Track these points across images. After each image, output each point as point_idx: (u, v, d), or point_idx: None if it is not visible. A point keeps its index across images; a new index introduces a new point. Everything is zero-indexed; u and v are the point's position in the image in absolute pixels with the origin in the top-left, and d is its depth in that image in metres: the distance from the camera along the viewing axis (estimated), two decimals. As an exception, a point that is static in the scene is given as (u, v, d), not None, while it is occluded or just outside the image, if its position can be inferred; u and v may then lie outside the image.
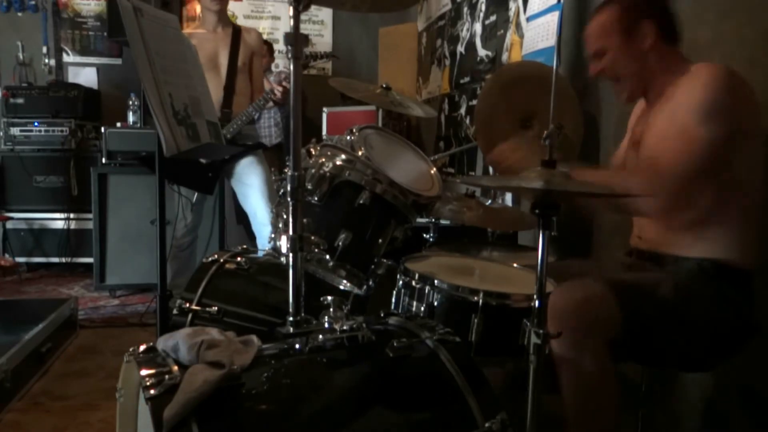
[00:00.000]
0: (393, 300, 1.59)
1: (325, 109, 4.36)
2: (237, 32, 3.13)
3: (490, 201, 2.48)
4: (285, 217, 1.37)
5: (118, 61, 5.18)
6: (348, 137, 1.56)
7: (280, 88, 3.01)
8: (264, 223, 3.05)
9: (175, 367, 0.99)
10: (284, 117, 4.77)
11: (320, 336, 1.15)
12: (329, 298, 1.21)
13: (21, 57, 4.92)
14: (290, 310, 1.26)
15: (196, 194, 3.15)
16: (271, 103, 3.09)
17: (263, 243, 3.05)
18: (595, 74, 1.61)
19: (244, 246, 2.10)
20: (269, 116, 4.71)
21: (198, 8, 5.14)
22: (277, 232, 1.55)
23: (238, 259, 1.91)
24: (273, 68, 4.96)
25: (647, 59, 1.53)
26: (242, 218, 3.39)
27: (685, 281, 1.43)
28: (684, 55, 1.56)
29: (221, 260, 1.88)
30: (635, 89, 1.59)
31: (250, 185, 3.06)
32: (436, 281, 1.46)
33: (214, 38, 3.08)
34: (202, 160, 2.71)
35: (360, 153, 1.50)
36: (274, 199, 3.04)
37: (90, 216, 3.87)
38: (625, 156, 1.69)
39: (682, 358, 1.49)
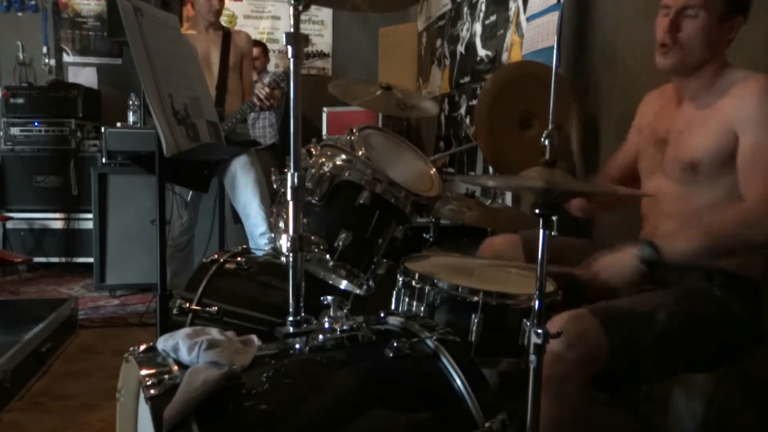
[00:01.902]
0: (393, 300, 1.59)
1: (325, 109, 4.36)
2: (227, 34, 3.21)
3: (490, 201, 2.48)
4: (285, 217, 1.37)
5: (118, 61, 5.18)
6: (348, 137, 1.56)
7: (261, 95, 3.04)
8: (256, 224, 3.06)
9: (175, 367, 0.99)
10: (279, 118, 4.78)
11: (320, 336, 1.15)
12: (329, 298, 1.21)
13: (21, 57, 4.91)
14: (290, 310, 1.26)
15: (191, 193, 3.16)
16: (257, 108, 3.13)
17: (255, 243, 3.06)
18: (667, 28, 1.45)
19: (244, 246, 2.10)
20: (264, 117, 4.72)
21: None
22: (277, 232, 1.55)
23: (238, 259, 1.91)
24: (269, 69, 4.97)
25: (717, 51, 1.46)
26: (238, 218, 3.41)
27: (683, 305, 1.41)
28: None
29: (221, 260, 1.88)
30: (683, 66, 1.48)
31: (243, 185, 3.07)
32: (436, 281, 1.46)
33: (205, 39, 3.14)
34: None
35: (360, 153, 1.50)
36: (265, 200, 3.06)
37: (90, 216, 3.87)
38: (644, 154, 1.65)
39: (679, 371, 1.49)
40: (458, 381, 1.09)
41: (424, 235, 2.29)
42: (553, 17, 2.63)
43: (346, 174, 1.48)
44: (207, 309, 1.73)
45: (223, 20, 3.46)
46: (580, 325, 1.32)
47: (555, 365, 1.25)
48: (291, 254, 1.26)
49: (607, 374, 1.35)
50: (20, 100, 4.30)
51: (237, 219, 3.38)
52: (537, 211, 1.07)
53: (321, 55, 3.56)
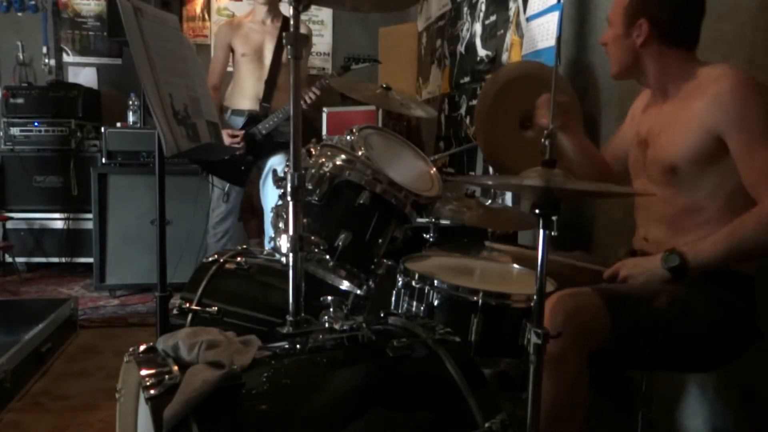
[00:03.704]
0: (393, 300, 1.59)
1: (325, 109, 4.36)
2: (286, 25, 3.14)
3: (490, 201, 2.48)
4: (285, 217, 1.37)
5: (118, 61, 5.18)
6: (348, 137, 1.56)
7: (313, 98, 3.02)
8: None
9: (175, 367, 0.99)
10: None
11: (320, 336, 1.15)
12: (329, 298, 1.21)
13: (21, 57, 4.91)
14: (290, 310, 1.26)
15: (227, 185, 3.22)
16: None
17: None
18: (601, 42, 1.63)
19: (244, 246, 2.10)
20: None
21: (198, 8, 5.15)
22: (277, 232, 1.55)
23: (238, 259, 1.91)
24: None
25: (640, 55, 1.53)
26: (242, 215, 3.43)
27: (683, 293, 1.41)
28: (693, 57, 1.52)
29: (221, 260, 1.89)
30: (620, 73, 1.60)
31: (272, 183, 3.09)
32: (436, 281, 1.46)
33: (262, 30, 3.09)
34: (237, 153, 2.94)
35: (360, 153, 1.50)
36: None
37: (90, 216, 3.88)
38: (630, 154, 1.67)
39: (679, 362, 1.49)
40: (458, 381, 1.09)
41: (424, 235, 2.29)
42: (553, 17, 2.63)
43: (346, 174, 1.48)
44: (207, 309, 1.73)
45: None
46: (577, 301, 1.33)
47: (553, 342, 1.25)
48: (291, 254, 1.26)
49: (608, 354, 1.35)
50: (20, 100, 4.30)
51: (240, 217, 3.40)
52: (536, 211, 1.07)
53: (372, 60, 3.34)
